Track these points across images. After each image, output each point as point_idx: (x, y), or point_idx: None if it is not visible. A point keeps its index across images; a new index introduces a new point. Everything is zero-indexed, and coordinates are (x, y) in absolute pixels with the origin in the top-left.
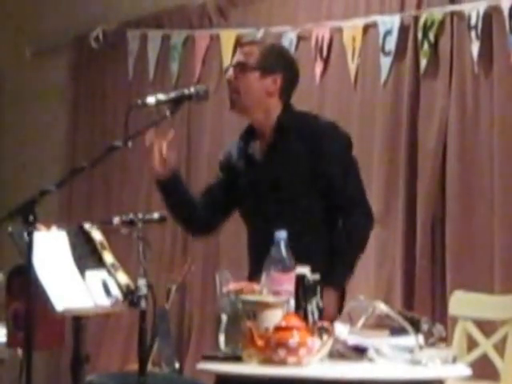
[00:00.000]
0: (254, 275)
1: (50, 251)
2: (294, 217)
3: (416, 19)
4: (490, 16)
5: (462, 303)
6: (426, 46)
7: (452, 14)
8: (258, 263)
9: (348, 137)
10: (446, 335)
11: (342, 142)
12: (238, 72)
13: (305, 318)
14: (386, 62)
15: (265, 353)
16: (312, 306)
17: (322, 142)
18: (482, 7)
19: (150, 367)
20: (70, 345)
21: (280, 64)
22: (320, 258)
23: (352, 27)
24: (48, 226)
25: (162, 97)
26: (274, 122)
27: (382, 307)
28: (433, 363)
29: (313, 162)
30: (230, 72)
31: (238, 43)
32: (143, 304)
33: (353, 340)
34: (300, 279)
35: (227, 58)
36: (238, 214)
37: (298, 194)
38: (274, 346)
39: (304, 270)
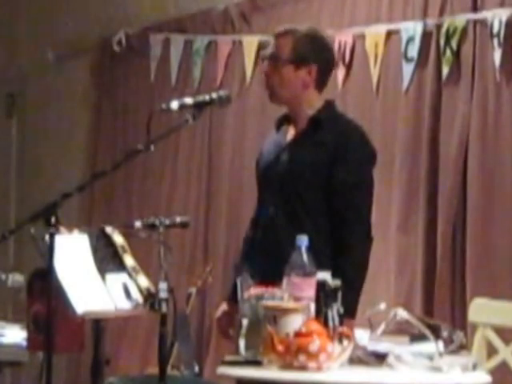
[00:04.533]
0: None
1: (72, 254)
2: (296, 209)
3: (438, 26)
4: None
5: (481, 310)
6: (448, 53)
7: (474, 21)
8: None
9: (374, 153)
10: (466, 342)
11: (365, 155)
12: (273, 65)
13: (325, 323)
14: (408, 69)
15: (285, 358)
16: (332, 312)
17: (346, 148)
18: (504, 15)
19: (169, 371)
20: (90, 348)
21: (314, 54)
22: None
23: (374, 33)
24: (70, 229)
25: (185, 101)
26: (311, 113)
27: (402, 313)
28: (453, 370)
29: (329, 163)
30: (265, 65)
31: (273, 33)
32: (164, 308)
33: (373, 346)
34: (321, 285)
35: (250, 64)
36: None
37: (307, 188)
38: (294, 352)
39: (325, 275)
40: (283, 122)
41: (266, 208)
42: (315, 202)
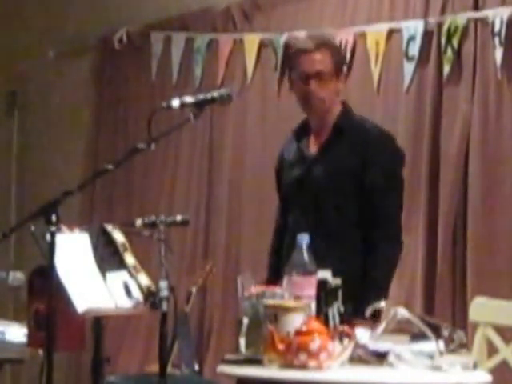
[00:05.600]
0: (274, 276)
1: (72, 252)
2: (331, 220)
3: (440, 25)
4: None
5: (482, 309)
6: (449, 51)
7: (476, 20)
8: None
9: (403, 153)
10: (467, 341)
11: (395, 156)
12: (320, 80)
13: (326, 322)
14: (409, 68)
15: (285, 357)
16: (333, 311)
17: (375, 150)
18: (505, 14)
19: (169, 369)
20: (91, 346)
21: (344, 62)
22: (352, 262)
23: (376, 32)
24: (70, 227)
25: (186, 100)
26: (332, 120)
27: (403, 312)
28: (453, 369)
29: (361, 168)
30: (310, 82)
31: (304, 49)
32: (164, 306)
33: (373, 345)
34: (321, 283)
35: (251, 62)
36: (256, 216)
37: (339, 197)
38: (294, 350)
39: (325, 274)
40: (302, 131)
41: (300, 221)
42: (353, 211)
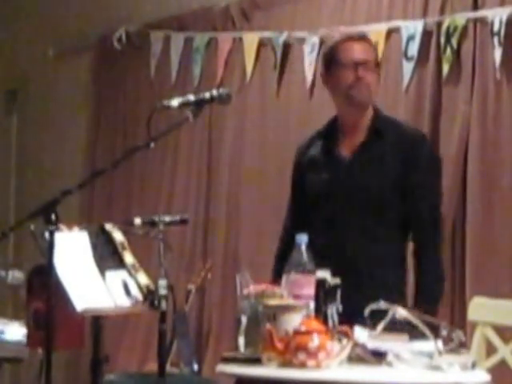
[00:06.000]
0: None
1: (71, 251)
2: (369, 224)
3: (439, 25)
4: None
5: (481, 309)
6: (448, 51)
7: (475, 20)
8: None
9: (437, 153)
10: (466, 341)
11: (435, 158)
12: (367, 69)
13: (324, 321)
14: (408, 67)
15: (284, 356)
16: (332, 310)
17: (416, 153)
18: (505, 14)
19: (168, 368)
20: (90, 345)
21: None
22: (391, 272)
23: (375, 32)
24: (69, 226)
25: (185, 99)
26: (367, 122)
27: (401, 312)
28: (452, 369)
29: (402, 171)
30: (359, 69)
31: (350, 38)
32: (163, 305)
33: (372, 344)
34: (320, 283)
35: (250, 61)
36: (255, 215)
37: (378, 200)
38: (293, 350)
39: (324, 273)
40: (329, 133)
41: (328, 226)
42: (394, 214)
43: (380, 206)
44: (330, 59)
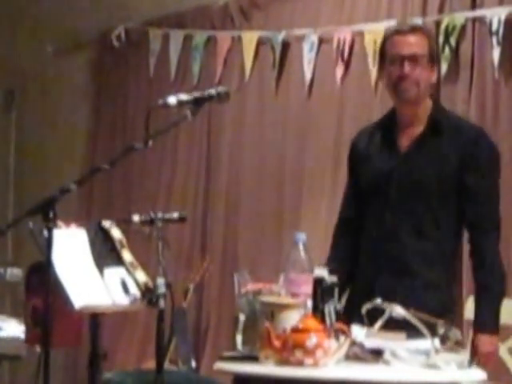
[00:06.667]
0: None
1: (70, 248)
2: (421, 218)
3: (438, 24)
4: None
5: None
6: (447, 50)
7: (473, 19)
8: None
9: (499, 153)
10: (462, 339)
11: (495, 159)
12: (415, 64)
13: (322, 319)
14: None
15: (282, 354)
16: (329, 308)
17: (477, 149)
18: (503, 13)
19: (166, 365)
20: (88, 342)
21: (438, 54)
22: (443, 281)
23: (373, 31)
24: (68, 223)
25: (183, 97)
26: (427, 115)
27: (398, 310)
28: (448, 367)
29: (460, 168)
30: (407, 66)
31: (399, 31)
32: (161, 303)
33: (369, 342)
34: (318, 281)
35: (249, 60)
36: (253, 213)
37: (434, 194)
38: (291, 347)
39: (322, 271)
40: (387, 124)
41: (380, 218)
42: (442, 212)
43: (431, 201)
44: (381, 54)
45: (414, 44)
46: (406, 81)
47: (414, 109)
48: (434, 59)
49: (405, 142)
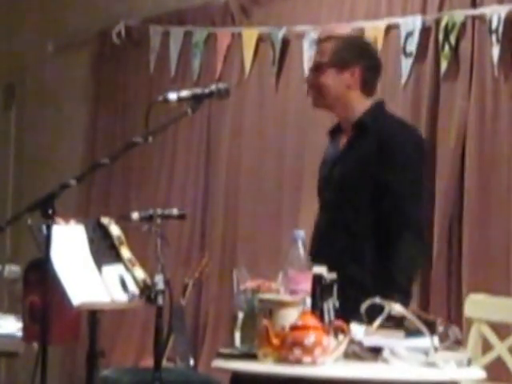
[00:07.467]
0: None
1: (68, 245)
2: (349, 221)
3: (437, 21)
4: (511, 20)
5: (477, 306)
6: (446, 48)
7: (473, 17)
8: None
9: (422, 152)
10: (462, 338)
11: (411, 153)
12: (316, 72)
13: (321, 317)
14: (406, 64)
15: (280, 351)
16: (328, 306)
17: (390, 149)
18: (503, 11)
19: (164, 363)
20: (86, 339)
21: (356, 56)
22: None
23: (374, 28)
24: (66, 219)
25: (183, 93)
26: (356, 117)
27: (397, 308)
28: (448, 365)
29: (378, 167)
30: (309, 73)
31: (316, 41)
32: (160, 300)
33: (368, 341)
34: (317, 278)
35: (249, 57)
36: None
37: (356, 196)
38: (289, 345)
39: (321, 269)
40: (337, 131)
41: (322, 219)
42: (371, 211)
43: (357, 200)
44: None
45: (317, 53)
46: (310, 89)
47: (339, 113)
48: (344, 62)
49: (342, 145)
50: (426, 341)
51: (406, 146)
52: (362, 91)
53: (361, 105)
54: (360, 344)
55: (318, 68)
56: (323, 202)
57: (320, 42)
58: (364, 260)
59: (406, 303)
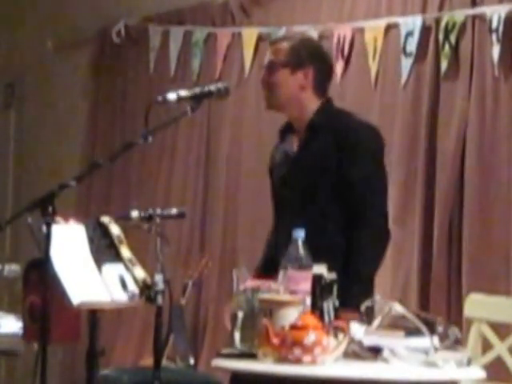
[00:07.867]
0: (264, 269)
1: (68, 244)
2: (313, 217)
3: (438, 21)
4: (511, 20)
5: (477, 305)
6: (446, 48)
7: (473, 16)
8: (271, 258)
9: (379, 144)
10: (462, 337)
11: (370, 149)
12: (269, 71)
13: (321, 317)
14: (406, 63)
15: (280, 351)
16: (328, 305)
17: (349, 145)
18: (503, 11)
19: (164, 362)
20: (86, 339)
21: (310, 57)
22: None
23: (374, 27)
24: (66, 219)
25: (183, 93)
26: (309, 118)
27: (397, 308)
28: (447, 365)
29: (336, 164)
30: (263, 73)
31: (269, 42)
32: (159, 299)
33: (368, 340)
34: (317, 278)
35: (248, 56)
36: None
37: (318, 195)
38: (289, 345)
39: (321, 269)
40: (287, 130)
41: (285, 219)
42: (334, 208)
43: (319, 198)
44: None
45: (272, 53)
46: (264, 89)
47: (291, 113)
48: (297, 63)
49: (295, 146)
50: (426, 340)
51: (364, 138)
52: (315, 92)
53: (313, 105)
54: (360, 344)
55: (271, 67)
56: (283, 203)
57: (275, 42)
58: (335, 256)
59: (370, 292)
